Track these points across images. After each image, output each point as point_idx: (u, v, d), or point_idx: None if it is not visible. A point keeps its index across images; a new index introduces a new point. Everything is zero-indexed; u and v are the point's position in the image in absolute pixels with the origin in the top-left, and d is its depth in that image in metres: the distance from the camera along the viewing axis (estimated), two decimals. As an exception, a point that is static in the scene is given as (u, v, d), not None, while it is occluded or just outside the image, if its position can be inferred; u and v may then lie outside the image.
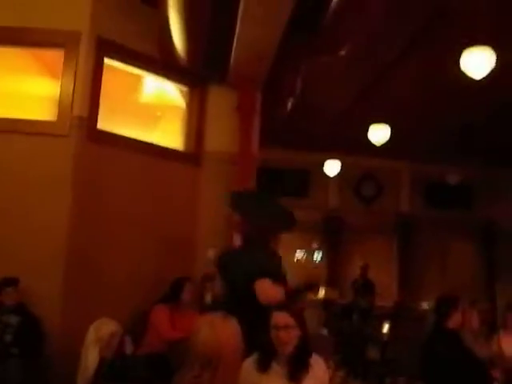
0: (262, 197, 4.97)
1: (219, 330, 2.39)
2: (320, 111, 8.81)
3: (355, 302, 10.60)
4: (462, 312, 4.95)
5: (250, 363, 2.99)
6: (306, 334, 3.06)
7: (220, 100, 6.69)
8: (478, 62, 5.73)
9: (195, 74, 6.52)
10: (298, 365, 2.97)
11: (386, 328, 6.99)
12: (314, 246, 12.60)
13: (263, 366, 2.97)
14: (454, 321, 4.80)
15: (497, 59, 5.77)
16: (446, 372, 4.50)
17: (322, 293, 11.76)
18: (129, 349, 4.81)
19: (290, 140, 10.30)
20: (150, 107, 6.76)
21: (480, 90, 7.43)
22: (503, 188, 12.18)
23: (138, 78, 6.44)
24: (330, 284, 11.95)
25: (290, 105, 7.57)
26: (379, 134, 8.63)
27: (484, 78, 5.94)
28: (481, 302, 10.80)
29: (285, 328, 2.97)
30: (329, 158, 10.85)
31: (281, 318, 3.00)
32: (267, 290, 3.96)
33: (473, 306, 6.71)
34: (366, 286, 10.74)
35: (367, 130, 8.80)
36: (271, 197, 5.00)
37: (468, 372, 4.53)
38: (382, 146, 8.96)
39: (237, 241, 5.95)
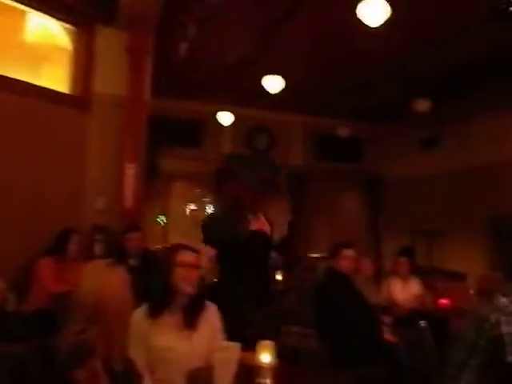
0: (253, 159, 5.03)
1: (104, 279, 2.17)
2: (215, 60, 8.59)
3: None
4: (355, 258, 5.07)
5: (141, 313, 2.84)
6: (202, 278, 2.96)
7: (110, 41, 6.35)
8: (373, 10, 5.73)
9: (82, 12, 6.12)
10: (193, 310, 2.86)
11: (279, 277, 7.05)
12: (207, 198, 12.49)
13: (155, 315, 2.83)
14: (345, 264, 4.90)
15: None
16: (336, 316, 4.59)
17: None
18: (11, 306, 4.54)
19: (183, 89, 10.01)
20: (34, 47, 6.28)
21: (373, 47, 7.54)
22: (390, 142, 12.58)
23: (21, 15, 5.95)
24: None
25: (183, 50, 7.31)
26: (273, 84, 8.55)
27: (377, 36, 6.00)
28: (368, 250, 11.27)
29: (192, 266, 2.87)
30: (223, 109, 10.69)
31: (188, 256, 2.89)
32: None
33: (363, 254, 6.95)
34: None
35: (262, 82, 8.69)
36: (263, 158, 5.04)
37: (358, 316, 4.64)
38: (276, 98, 8.91)
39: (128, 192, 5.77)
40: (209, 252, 4.34)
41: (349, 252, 5.03)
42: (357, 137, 12.90)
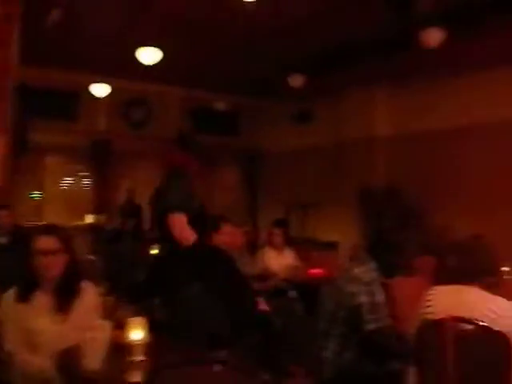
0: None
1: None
2: (89, 30, 8.31)
3: (123, 226, 10.57)
4: (229, 232, 5.16)
5: (10, 296, 2.75)
6: (74, 260, 2.85)
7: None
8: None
9: None
10: (65, 293, 2.78)
11: (154, 251, 7.03)
12: (82, 171, 12.18)
13: (24, 298, 2.72)
14: (214, 240, 4.98)
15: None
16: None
17: (89, 218, 11.52)
18: None
19: (57, 58, 9.60)
20: None
21: (247, 22, 7.63)
22: (266, 116, 12.81)
23: None
24: (98, 209, 11.72)
25: (56, 16, 7.01)
26: (149, 56, 8.42)
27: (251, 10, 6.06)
28: (245, 223, 11.49)
29: (49, 253, 2.73)
30: (98, 80, 10.40)
31: (44, 242, 2.77)
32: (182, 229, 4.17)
33: (238, 226, 7.06)
34: (133, 210, 10.70)
35: (138, 53, 8.53)
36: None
37: (234, 287, 4.74)
38: (152, 70, 8.80)
39: None
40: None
41: (227, 227, 5.11)
42: (234, 110, 13.01)
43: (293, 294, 4.01)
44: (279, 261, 6.89)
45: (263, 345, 4.56)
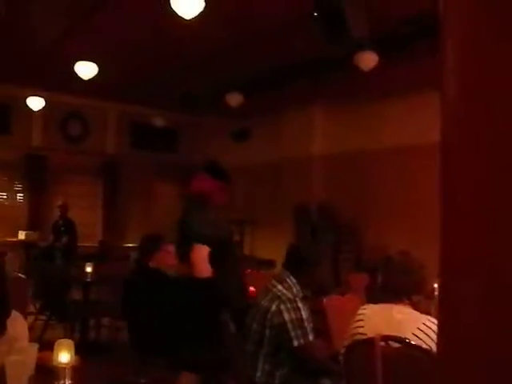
0: None
1: None
2: (26, 41, 8.17)
3: (56, 243, 10.35)
4: (169, 251, 5.14)
5: None
6: (3, 291, 2.66)
7: None
8: (187, 2, 5.81)
9: None
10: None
11: (89, 268, 6.92)
12: (16, 186, 11.88)
13: None
14: (155, 259, 4.95)
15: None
16: (145, 310, 4.63)
17: (22, 235, 11.23)
18: None
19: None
20: None
21: (187, 39, 7.67)
22: (204, 133, 12.83)
23: None
24: (32, 226, 11.45)
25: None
26: (86, 70, 8.34)
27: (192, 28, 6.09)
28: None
29: None
30: (33, 93, 10.20)
31: None
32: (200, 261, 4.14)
33: (172, 244, 7.00)
34: (66, 226, 10.48)
35: (74, 67, 8.43)
36: None
37: (169, 310, 4.72)
38: (90, 84, 8.71)
39: None
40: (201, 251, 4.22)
41: (159, 253, 5.07)
42: (172, 127, 12.99)
43: (225, 316, 4.01)
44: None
45: (198, 364, 4.56)
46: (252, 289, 6.88)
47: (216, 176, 4.83)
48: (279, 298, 3.41)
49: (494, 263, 0.88)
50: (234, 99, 9.88)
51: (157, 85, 10.13)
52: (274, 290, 3.49)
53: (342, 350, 2.97)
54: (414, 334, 2.69)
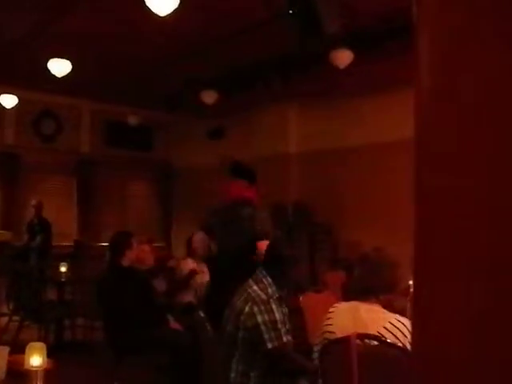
0: None
1: None
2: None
3: (30, 242, 10.24)
4: (137, 249, 5.10)
5: None
6: None
7: None
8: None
9: None
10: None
11: (64, 268, 6.85)
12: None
13: None
14: (127, 257, 4.92)
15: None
16: (119, 308, 4.60)
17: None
18: None
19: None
20: None
21: (161, 37, 7.62)
22: (179, 132, 12.78)
23: None
24: (5, 225, 11.29)
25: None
26: (60, 68, 8.25)
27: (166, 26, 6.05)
28: (158, 239, 11.38)
29: None
30: (5, 91, 10.05)
31: None
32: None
33: (148, 243, 6.96)
34: (41, 226, 10.36)
35: (47, 65, 8.33)
36: None
37: (141, 307, 4.69)
38: (63, 82, 8.61)
39: None
40: None
41: (131, 252, 5.03)
42: (147, 125, 12.91)
43: (202, 313, 3.99)
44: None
45: (174, 364, 4.54)
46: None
47: (251, 180, 4.89)
48: (253, 299, 3.39)
49: (467, 261, 0.87)
50: (209, 97, 9.83)
51: (131, 82, 10.05)
52: (249, 290, 3.47)
53: (315, 349, 2.98)
54: (379, 332, 2.68)
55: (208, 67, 9.18)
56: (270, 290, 3.46)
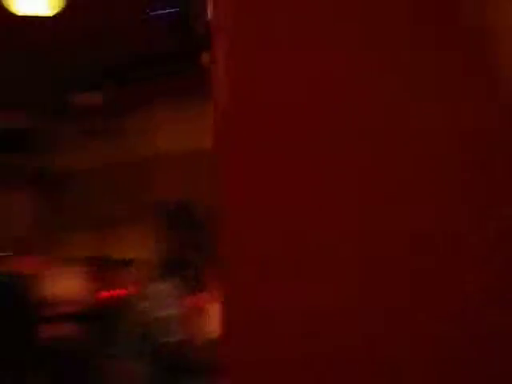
0: None
1: None
2: None
3: None
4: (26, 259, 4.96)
5: None
6: None
7: None
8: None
9: None
10: None
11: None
12: None
13: None
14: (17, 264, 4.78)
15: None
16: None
17: None
18: None
19: None
20: None
21: (41, 36, 7.40)
22: (58, 134, 12.41)
23: None
24: None
25: None
26: None
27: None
28: (39, 250, 10.97)
29: None
30: None
31: None
32: None
33: (29, 254, 6.74)
34: None
35: None
36: None
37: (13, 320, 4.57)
38: None
39: None
40: None
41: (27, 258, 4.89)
42: (23, 128, 12.42)
43: (81, 318, 3.94)
44: (66, 283, 6.62)
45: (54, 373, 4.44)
46: (109, 293, 6.77)
47: None
48: (150, 296, 3.44)
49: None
50: (87, 97, 9.68)
51: (2, 84, 9.65)
52: (146, 289, 3.52)
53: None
54: None
55: (78, 65, 8.98)
56: (168, 289, 3.51)
